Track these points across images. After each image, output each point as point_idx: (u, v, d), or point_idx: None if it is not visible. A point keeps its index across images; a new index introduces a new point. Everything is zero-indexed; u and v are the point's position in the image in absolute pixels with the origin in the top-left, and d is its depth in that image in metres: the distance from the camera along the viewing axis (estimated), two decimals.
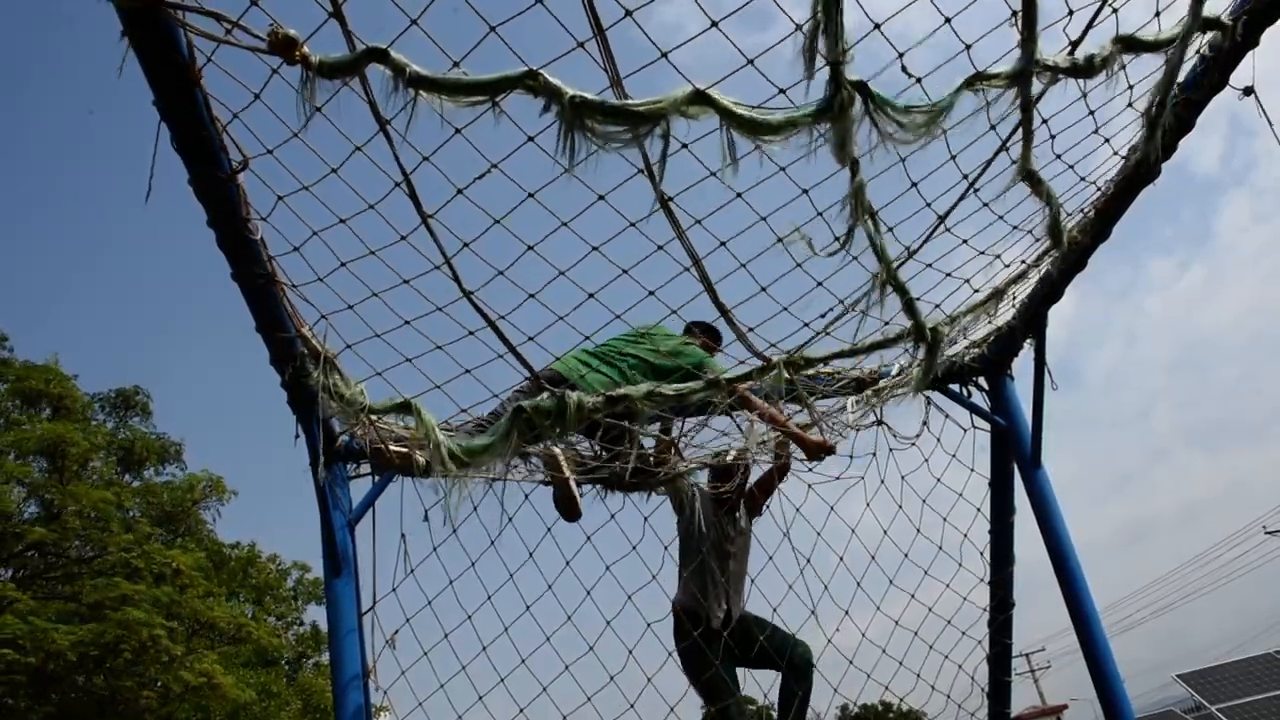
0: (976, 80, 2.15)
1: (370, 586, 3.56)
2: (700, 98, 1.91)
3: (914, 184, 2.50)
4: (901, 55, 2.10)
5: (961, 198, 2.70)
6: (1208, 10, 2.31)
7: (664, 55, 1.94)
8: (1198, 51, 2.45)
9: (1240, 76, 2.52)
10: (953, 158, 2.47)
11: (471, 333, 2.68)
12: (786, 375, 3.15)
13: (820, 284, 2.80)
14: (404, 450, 3.25)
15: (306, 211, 2.31)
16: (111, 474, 14.81)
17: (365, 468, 3.75)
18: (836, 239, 2.42)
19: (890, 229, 2.53)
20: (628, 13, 1.83)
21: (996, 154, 2.55)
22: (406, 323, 2.64)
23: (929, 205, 2.65)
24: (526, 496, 3.98)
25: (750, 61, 1.98)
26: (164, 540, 14.71)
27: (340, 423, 3.47)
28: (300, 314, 2.73)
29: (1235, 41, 2.35)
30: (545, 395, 2.89)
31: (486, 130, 1.97)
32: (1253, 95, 2.55)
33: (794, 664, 3.91)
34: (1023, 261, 3.26)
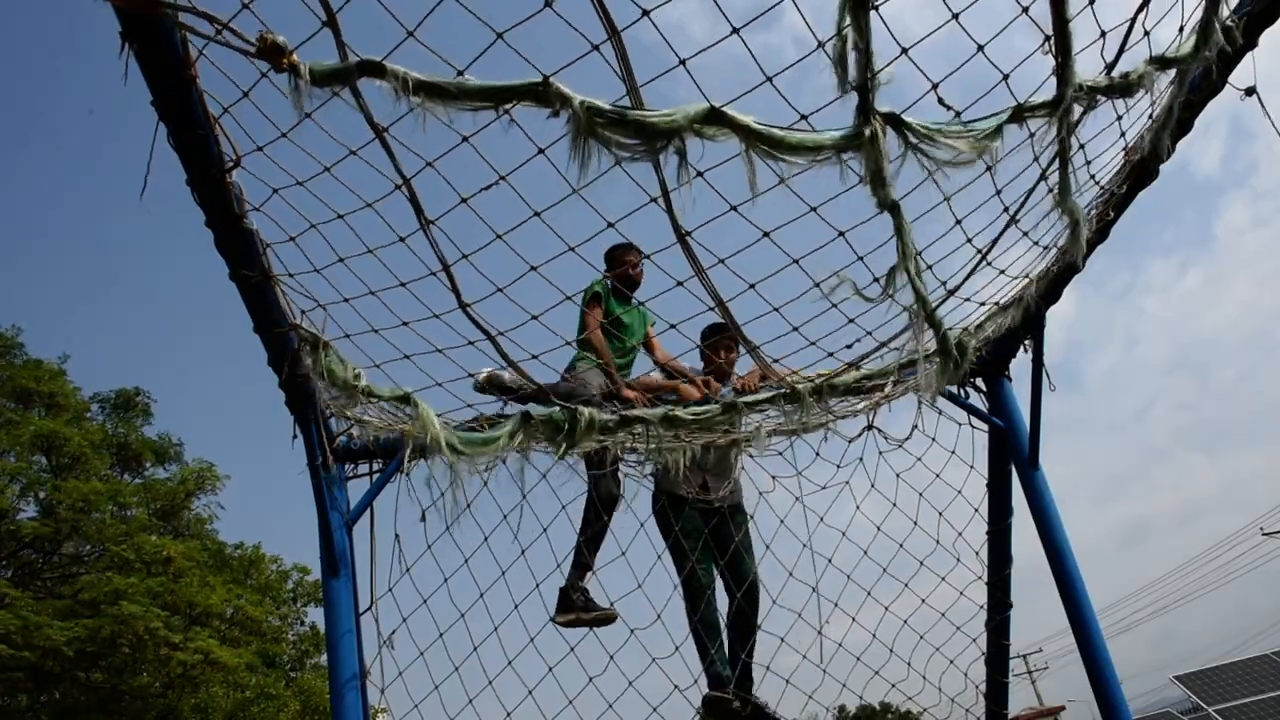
0: (1021, 112, 2.08)
1: (368, 587, 3.56)
2: (716, 116, 1.83)
3: (958, 221, 2.44)
4: (936, 86, 2.02)
5: (1003, 231, 2.65)
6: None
7: (682, 63, 1.86)
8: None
9: (1237, 77, 2.53)
10: (998, 192, 2.41)
11: (471, 342, 2.67)
12: (812, 405, 3.12)
13: (852, 321, 2.75)
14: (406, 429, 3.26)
15: (306, 206, 2.30)
16: (106, 469, 14.79)
17: (363, 468, 3.75)
18: (876, 280, 2.34)
19: (929, 266, 2.46)
20: (645, 13, 1.77)
21: (1036, 184, 2.50)
22: (404, 324, 2.63)
23: (970, 241, 2.59)
24: (524, 496, 3.98)
25: (770, 79, 1.91)
26: (163, 536, 14.71)
27: (338, 424, 3.47)
28: (296, 308, 2.72)
29: (1236, 44, 2.34)
30: (557, 409, 2.87)
31: (494, 137, 1.94)
32: (1255, 96, 2.54)
33: (749, 590, 4.05)
34: (1047, 269, 3.25)
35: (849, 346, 2.98)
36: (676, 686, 3.75)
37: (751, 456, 4.22)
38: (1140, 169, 2.80)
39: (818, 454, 4.16)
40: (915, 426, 4.10)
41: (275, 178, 2.19)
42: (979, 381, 4.24)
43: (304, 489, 3.36)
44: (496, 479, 3.75)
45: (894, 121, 1.92)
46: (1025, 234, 2.70)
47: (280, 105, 1.94)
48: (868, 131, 1.87)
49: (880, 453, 4.11)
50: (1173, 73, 2.40)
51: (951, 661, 4.23)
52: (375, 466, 3.73)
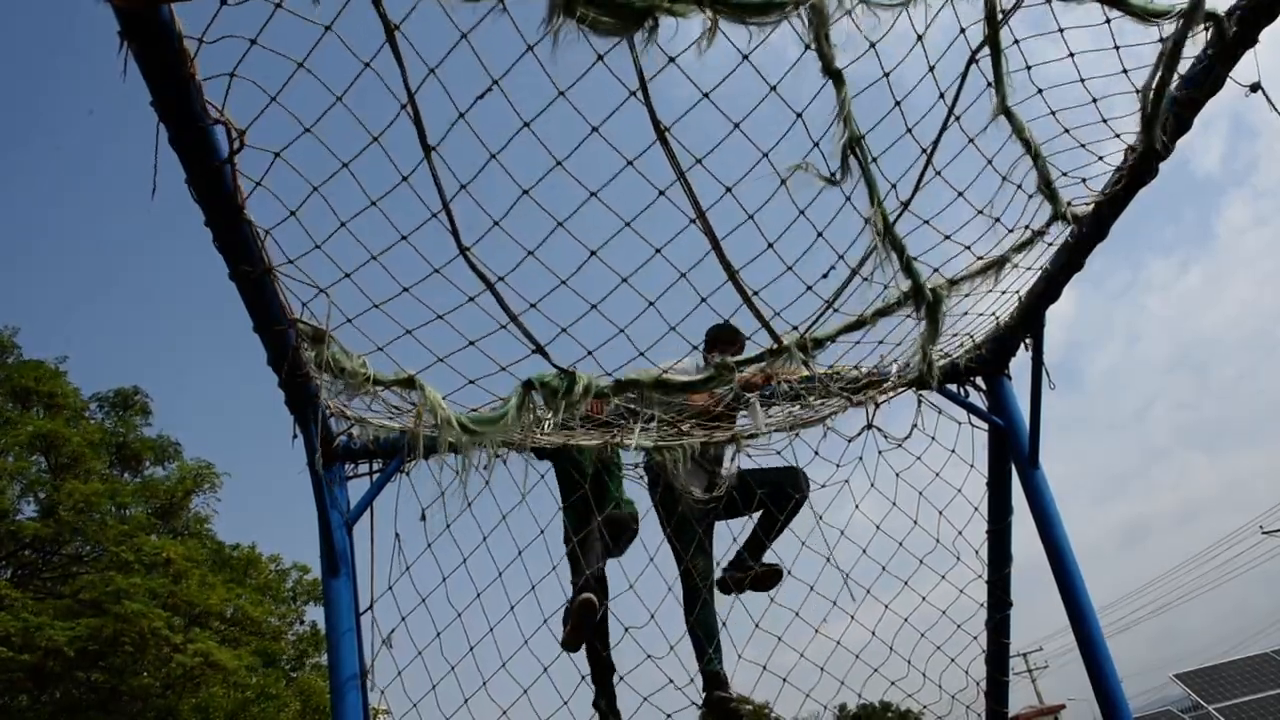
0: None
1: (368, 586, 3.57)
2: None
3: (897, 103, 2.48)
4: None
5: (944, 128, 2.64)
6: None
7: None
8: (1204, 51, 2.45)
9: (1238, 73, 2.52)
10: (930, 69, 2.46)
11: (471, 299, 2.62)
12: (802, 357, 3.12)
13: (820, 234, 2.74)
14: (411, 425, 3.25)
15: (303, 172, 2.29)
16: (104, 469, 14.80)
17: (363, 467, 3.75)
18: (833, 174, 2.45)
19: (875, 159, 2.53)
20: None
21: (968, 66, 2.51)
22: (405, 289, 2.60)
23: (909, 131, 2.62)
24: (523, 497, 3.99)
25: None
26: (161, 535, 14.73)
27: (338, 423, 3.47)
28: (293, 307, 2.71)
29: (1232, 38, 2.34)
30: (554, 373, 2.87)
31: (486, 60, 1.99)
32: (1259, 91, 2.54)
33: (795, 487, 4.13)
34: (1026, 228, 3.21)
35: (824, 276, 2.97)
36: (671, 680, 3.75)
37: (750, 456, 4.22)
38: (1139, 165, 2.80)
39: (816, 453, 4.16)
40: (915, 425, 4.10)
41: (274, 142, 2.20)
42: (979, 380, 4.24)
43: (304, 488, 3.36)
44: (496, 480, 3.76)
45: None
46: (971, 140, 2.70)
47: (282, 53, 1.97)
48: None
49: (880, 452, 4.11)
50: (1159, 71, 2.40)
51: (953, 660, 4.24)
52: (375, 466, 3.74)
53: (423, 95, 2.10)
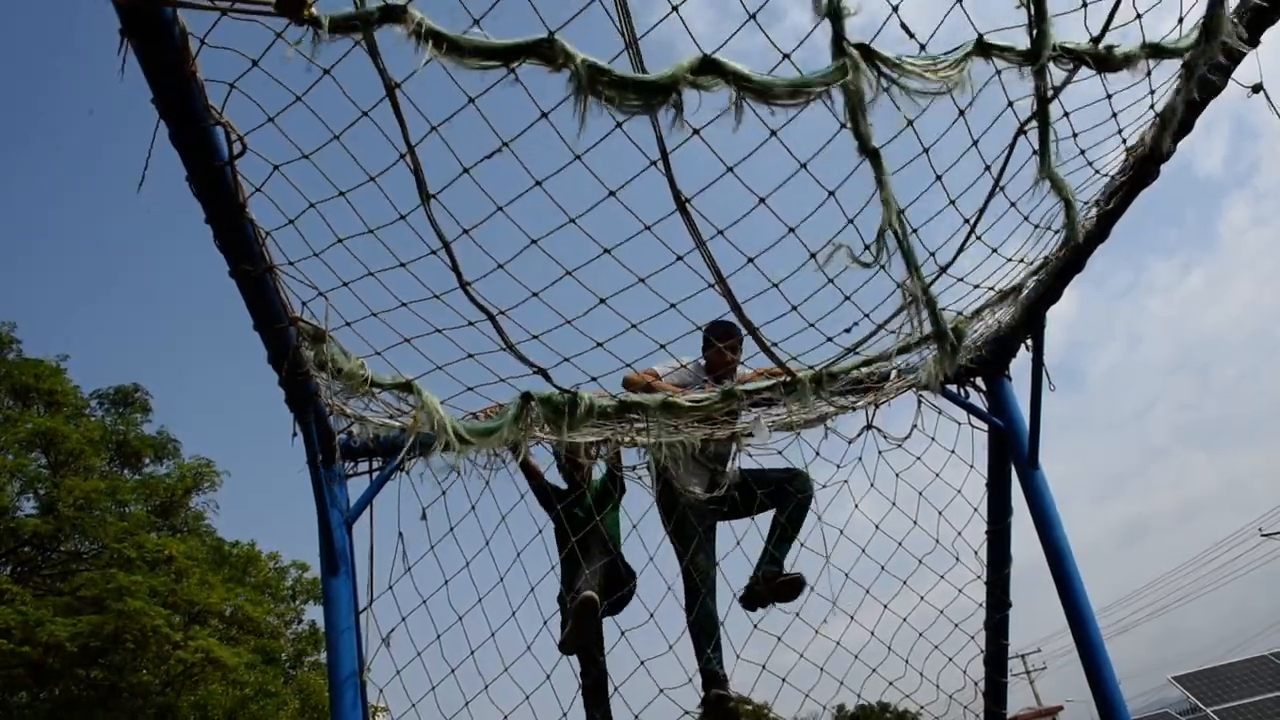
0: (989, 50, 2.08)
1: (367, 585, 3.56)
2: (709, 65, 1.88)
3: (938, 177, 2.43)
4: (896, 9, 2.01)
5: (989, 199, 2.62)
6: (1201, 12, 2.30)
7: (675, 9, 1.90)
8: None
9: (1240, 74, 2.52)
10: (975, 143, 2.41)
11: (471, 323, 2.63)
12: (815, 395, 3.10)
13: (848, 298, 2.73)
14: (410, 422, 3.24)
15: (305, 186, 2.28)
16: (104, 466, 14.82)
17: (363, 466, 3.75)
18: (867, 248, 2.37)
19: (915, 230, 2.48)
20: None
21: (1015, 138, 2.46)
22: (403, 304, 2.60)
23: (953, 204, 2.56)
24: (522, 496, 3.99)
25: (752, 16, 1.94)
26: (161, 532, 14.75)
27: (338, 422, 3.47)
28: (293, 305, 2.71)
29: (1243, 39, 2.34)
30: (557, 392, 2.85)
31: (496, 110, 1.98)
32: (1261, 92, 2.53)
33: (797, 489, 4.17)
34: (1045, 257, 3.22)
35: (847, 330, 2.96)
36: (662, 690, 3.74)
37: (750, 455, 4.22)
38: (1141, 168, 2.80)
39: (817, 453, 4.16)
40: (915, 426, 4.09)
41: (275, 158, 2.18)
42: (979, 381, 4.24)
43: (304, 486, 3.36)
44: (496, 481, 3.76)
45: (865, 53, 1.95)
46: (1013, 204, 2.67)
47: (285, 76, 1.97)
48: (843, 63, 1.90)
49: (880, 452, 4.11)
50: (1176, 66, 2.39)
51: (950, 659, 4.24)
52: (375, 465, 3.73)
53: (428, 134, 2.07)
